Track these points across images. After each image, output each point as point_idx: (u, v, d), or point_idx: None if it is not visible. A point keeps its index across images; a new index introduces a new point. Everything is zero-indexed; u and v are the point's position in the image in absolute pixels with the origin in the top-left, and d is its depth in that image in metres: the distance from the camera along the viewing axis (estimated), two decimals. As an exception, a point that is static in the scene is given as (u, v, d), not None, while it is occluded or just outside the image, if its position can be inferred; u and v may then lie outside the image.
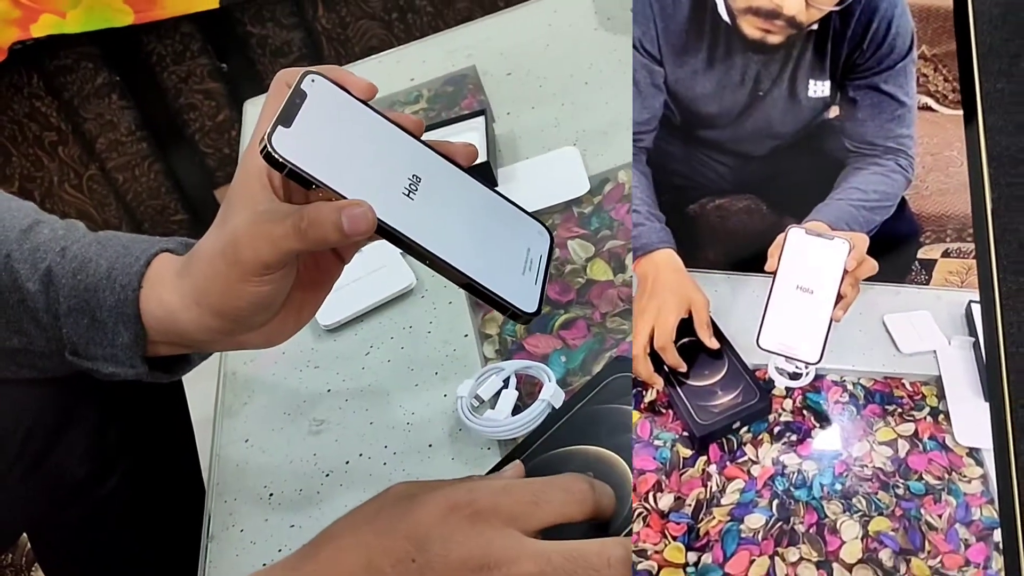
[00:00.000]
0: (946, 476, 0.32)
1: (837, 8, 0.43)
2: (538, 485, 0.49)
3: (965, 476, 0.32)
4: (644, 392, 0.37)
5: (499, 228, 0.55)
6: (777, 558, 0.32)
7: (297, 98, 0.52)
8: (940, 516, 0.32)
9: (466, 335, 0.78)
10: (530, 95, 0.99)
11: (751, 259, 0.41)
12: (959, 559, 0.31)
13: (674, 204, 0.45)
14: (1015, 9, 0.39)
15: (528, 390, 0.71)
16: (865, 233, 0.39)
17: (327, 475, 0.71)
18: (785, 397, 0.35)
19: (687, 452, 0.35)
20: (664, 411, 0.36)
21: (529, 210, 0.57)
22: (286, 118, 0.51)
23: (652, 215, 0.45)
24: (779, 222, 0.42)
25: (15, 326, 0.61)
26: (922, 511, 0.32)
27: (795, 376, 0.35)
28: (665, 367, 0.39)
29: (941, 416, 0.33)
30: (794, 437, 0.34)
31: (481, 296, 0.52)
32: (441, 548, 0.46)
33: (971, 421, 0.33)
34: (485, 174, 0.88)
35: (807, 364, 0.36)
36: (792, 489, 0.33)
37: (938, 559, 0.31)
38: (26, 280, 0.59)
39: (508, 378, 0.71)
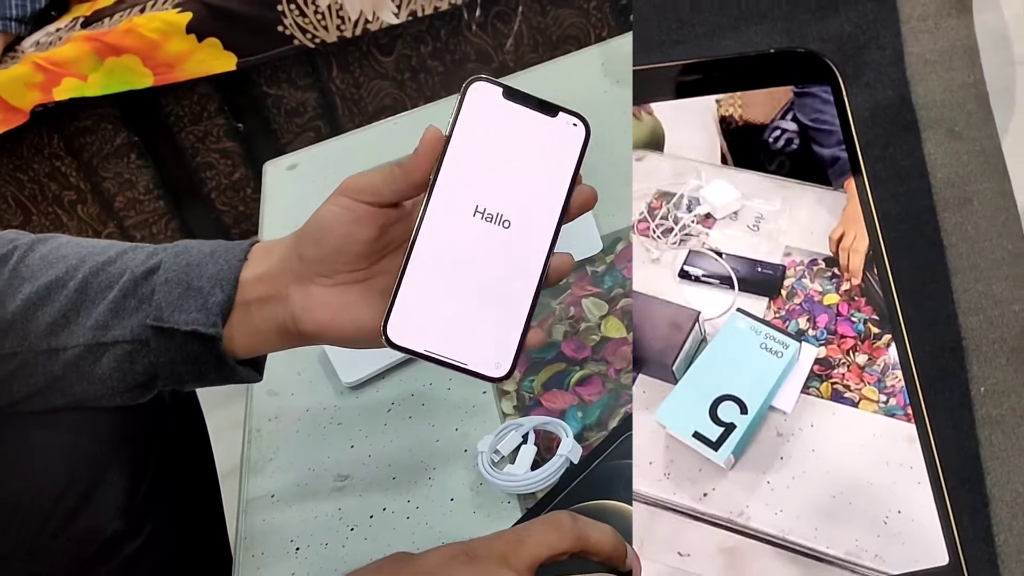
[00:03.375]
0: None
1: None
2: (523, 525, 0.57)
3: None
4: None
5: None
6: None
7: None
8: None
9: (484, 392, 0.81)
10: (543, 157, 1.03)
11: None
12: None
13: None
14: (880, 111, 0.58)
15: (546, 445, 0.73)
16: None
17: (352, 529, 0.73)
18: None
19: (877, 330, 0.53)
20: (857, 298, 0.53)
21: None
22: None
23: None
24: None
25: (111, 316, 0.63)
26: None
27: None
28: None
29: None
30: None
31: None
32: None
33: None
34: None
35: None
36: None
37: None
38: (128, 270, 0.63)
39: (527, 434, 0.73)
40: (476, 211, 0.54)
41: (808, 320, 0.51)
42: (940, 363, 0.52)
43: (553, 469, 0.69)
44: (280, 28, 1.99)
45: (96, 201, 2.08)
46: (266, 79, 2.06)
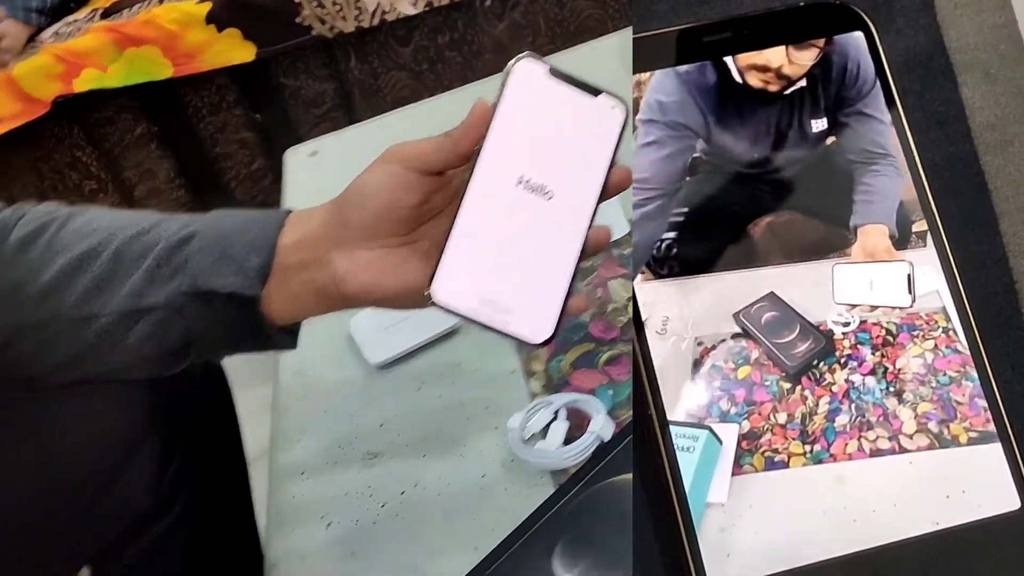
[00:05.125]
0: (961, 370, 0.51)
1: (814, 62, 0.56)
2: None
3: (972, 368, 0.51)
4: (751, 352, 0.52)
5: None
6: (862, 439, 0.50)
7: None
8: (963, 395, 0.50)
9: (512, 371, 0.81)
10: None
11: (803, 254, 0.55)
12: (981, 419, 0.50)
13: (734, 227, 0.55)
14: (913, 58, 0.58)
15: (576, 423, 0.73)
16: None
17: (383, 505, 0.73)
18: (843, 338, 0.52)
19: (787, 385, 0.51)
20: (765, 363, 0.52)
21: None
22: None
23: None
24: (819, 226, 0.55)
25: (146, 284, 0.63)
26: (950, 394, 0.50)
27: (846, 324, 0.52)
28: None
29: (951, 332, 0.51)
30: (855, 363, 0.51)
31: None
32: None
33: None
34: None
35: (852, 316, 0.53)
36: (862, 395, 0.51)
37: (967, 421, 0.50)
38: (162, 238, 0.63)
39: (557, 411, 0.73)
40: (520, 181, 0.55)
41: (728, 400, 0.51)
42: (994, 307, 0.52)
43: (585, 445, 0.69)
44: (299, 19, 1.99)
45: (117, 191, 2.09)
46: (284, 69, 2.07)
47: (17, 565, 0.73)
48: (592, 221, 0.56)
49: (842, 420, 0.50)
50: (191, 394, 0.84)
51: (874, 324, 0.52)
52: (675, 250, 0.55)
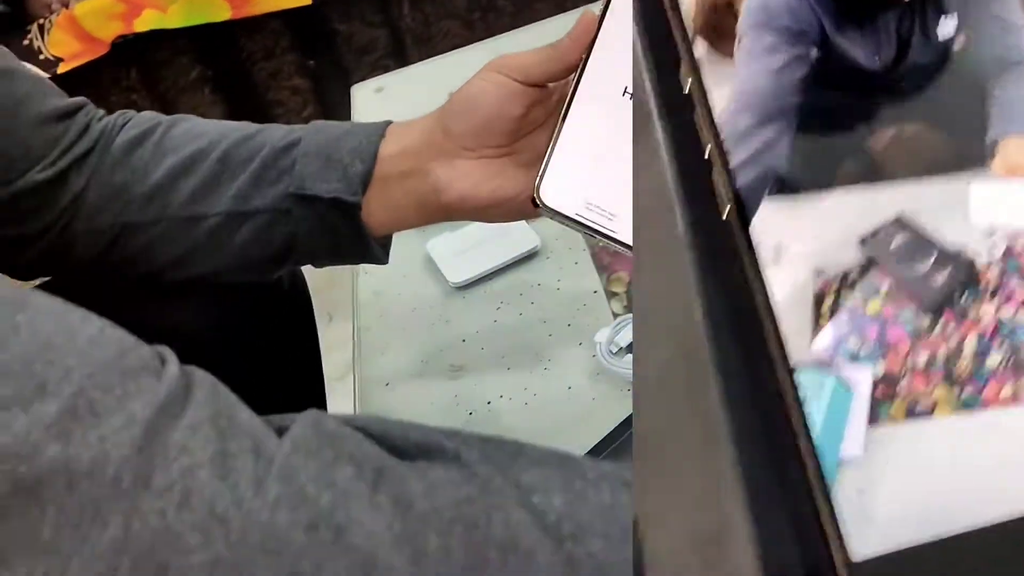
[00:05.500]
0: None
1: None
2: None
3: None
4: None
5: None
6: (1020, 383, 0.42)
7: None
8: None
9: (595, 291, 0.82)
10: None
11: (934, 170, 0.48)
12: None
13: (851, 142, 0.50)
14: None
15: (661, 339, 0.74)
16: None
17: (470, 414, 0.75)
18: (988, 267, 0.45)
19: (926, 322, 0.44)
20: (898, 296, 0.45)
21: None
22: None
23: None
24: (951, 140, 0.49)
25: (252, 186, 0.65)
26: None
27: (991, 250, 0.45)
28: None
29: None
30: (1004, 296, 0.44)
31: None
32: None
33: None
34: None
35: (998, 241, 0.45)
36: (1016, 332, 0.43)
37: None
38: (268, 142, 0.65)
39: (643, 326, 0.74)
40: (624, 92, 0.56)
41: (857, 339, 0.44)
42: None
43: (671, 358, 0.70)
44: (355, -37, 1.99)
45: (171, 134, 2.11)
46: (338, 15, 2.07)
47: None
48: None
49: (992, 361, 0.42)
50: (277, 304, 0.85)
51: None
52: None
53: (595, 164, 0.56)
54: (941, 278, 0.45)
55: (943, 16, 0.53)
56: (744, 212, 0.46)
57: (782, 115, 0.52)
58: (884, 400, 0.41)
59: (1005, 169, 0.49)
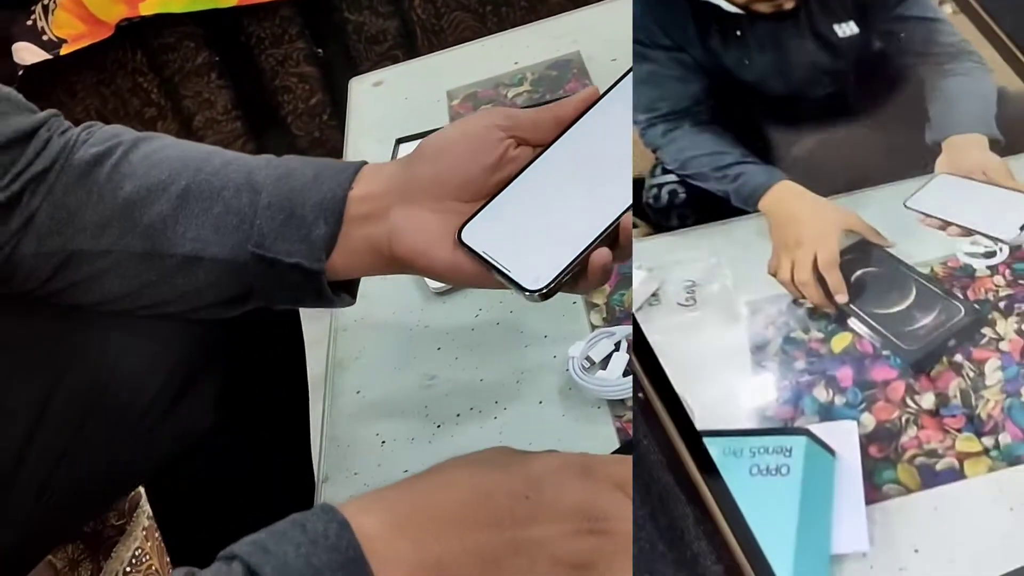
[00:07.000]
0: None
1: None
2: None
3: None
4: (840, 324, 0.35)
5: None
6: None
7: None
8: None
9: (574, 302, 0.80)
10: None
11: (871, 176, 0.45)
12: None
13: (777, 151, 0.49)
14: None
15: (637, 356, 0.72)
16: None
17: (438, 426, 0.73)
18: (992, 275, 0.34)
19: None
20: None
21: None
22: None
23: (745, 160, 0.48)
24: (886, 138, 0.46)
25: (211, 231, 0.62)
26: None
27: (990, 255, 0.36)
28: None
29: None
30: (1023, 306, 0.33)
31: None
32: (554, 493, 0.47)
33: None
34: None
35: (998, 240, 0.37)
36: None
37: None
38: (231, 184, 0.62)
39: (619, 342, 0.72)
40: (579, 170, 0.59)
41: (827, 386, 0.33)
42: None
43: (645, 377, 0.68)
44: (365, -49, 1.97)
45: (175, 118, 2.10)
46: (348, 4, 2.05)
47: (75, 479, 0.72)
48: (629, 209, 0.57)
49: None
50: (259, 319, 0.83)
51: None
52: (682, 195, 0.46)
53: (527, 213, 0.58)
54: (927, 320, 0.35)
55: (836, 23, 0.52)
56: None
57: (688, 117, 0.53)
58: (883, 463, 0.31)
59: (952, 169, 0.44)
